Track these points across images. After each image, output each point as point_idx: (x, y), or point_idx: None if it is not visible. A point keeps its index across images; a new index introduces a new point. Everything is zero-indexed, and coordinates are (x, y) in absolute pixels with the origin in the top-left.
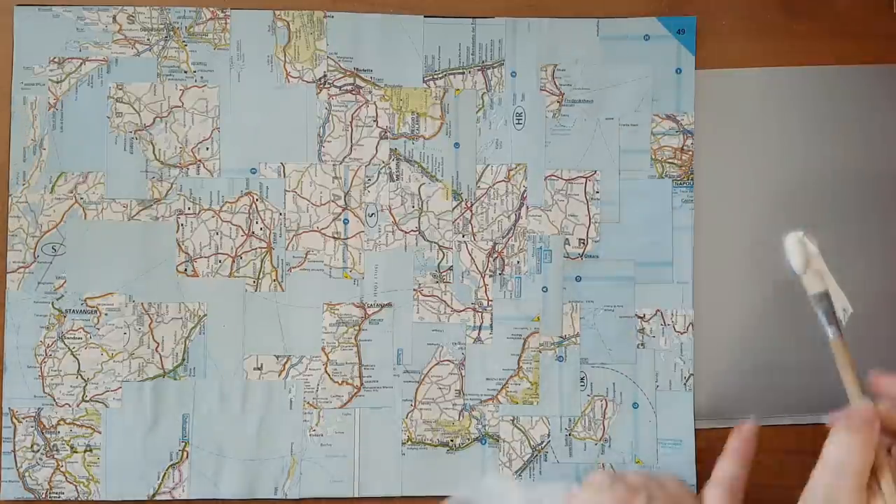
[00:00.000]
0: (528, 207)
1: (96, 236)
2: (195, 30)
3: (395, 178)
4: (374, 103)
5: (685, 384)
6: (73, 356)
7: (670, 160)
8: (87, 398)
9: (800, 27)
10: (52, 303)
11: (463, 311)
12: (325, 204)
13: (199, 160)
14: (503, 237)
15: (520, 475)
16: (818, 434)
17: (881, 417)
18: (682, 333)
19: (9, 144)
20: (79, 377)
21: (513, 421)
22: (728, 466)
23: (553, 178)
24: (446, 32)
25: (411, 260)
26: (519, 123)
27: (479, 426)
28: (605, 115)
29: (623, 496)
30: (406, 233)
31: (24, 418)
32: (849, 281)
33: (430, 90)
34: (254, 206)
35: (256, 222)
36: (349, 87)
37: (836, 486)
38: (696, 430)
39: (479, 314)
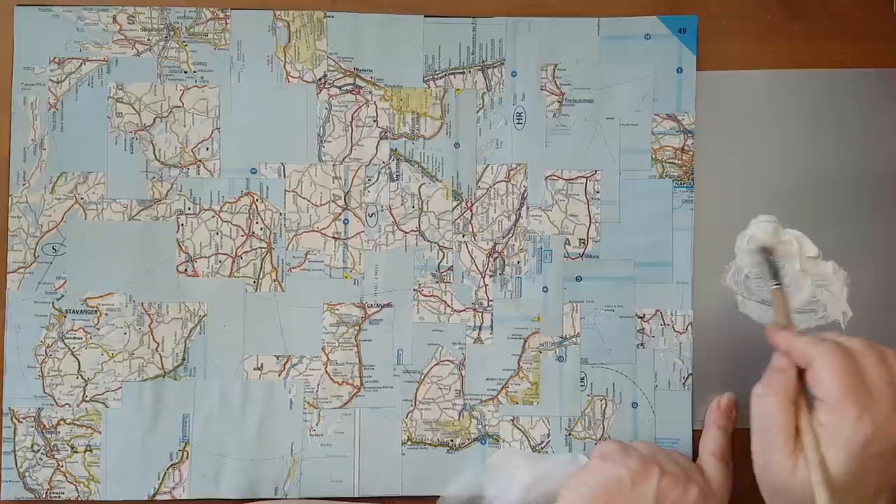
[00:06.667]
0: (528, 207)
1: (96, 236)
2: (195, 30)
3: (395, 178)
4: (374, 103)
5: (684, 384)
6: (74, 356)
7: (671, 160)
8: (88, 398)
9: (800, 27)
10: (52, 303)
11: (463, 311)
12: (325, 204)
13: (200, 160)
14: (503, 237)
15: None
16: None
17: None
18: (681, 333)
19: (9, 144)
20: (79, 377)
21: (513, 421)
22: (716, 437)
23: (553, 177)
24: (446, 32)
25: (411, 260)
26: (519, 123)
27: (479, 426)
28: (605, 114)
29: (637, 468)
30: (406, 233)
31: (24, 418)
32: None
33: (430, 90)
34: (254, 206)
35: (256, 222)
36: (349, 87)
37: (767, 446)
38: (694, 429)
39: (480, 314)
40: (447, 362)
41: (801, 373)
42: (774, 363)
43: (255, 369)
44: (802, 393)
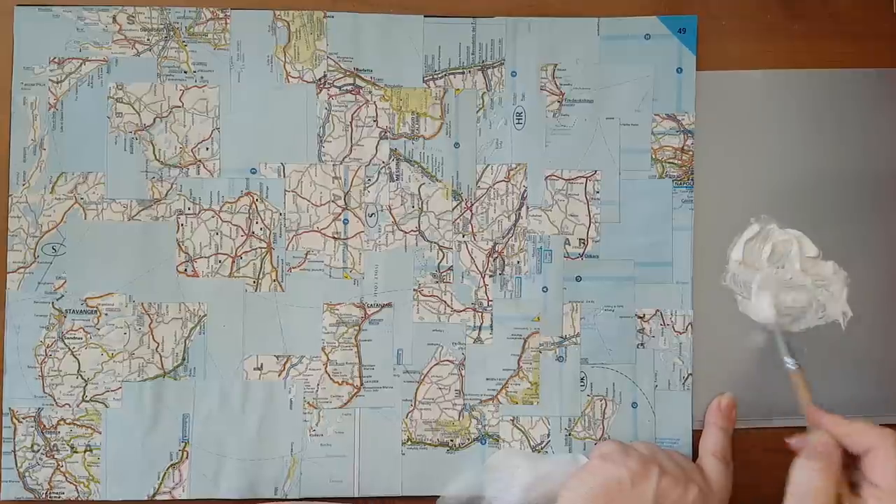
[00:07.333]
0: (528, 207)
1: (96, 236)
2: (195, 30)
3: (395, 178)
4: (374, 103)
5: (684, 384)
6: (73, 356)
7: (670, 160)
8: (88, 398)
9: (800, 27)
10: (52, 303)
11: (463, 311)
12: (325, 204)
13: (199, 160)
14: (503, 237)
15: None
16: None
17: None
18: (680, 333)
19: (9, 144)
20: (79, 377)
21: (513, 421)
22: (716, 437)
23: (553, 177)
24: (446, 32)
25: (411, 260)
26: (519, 123)
27: (479, 426)
28: (605, 114)
29: (637, 468)
30: (406, 233)
31: (24, 418)
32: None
33: (430, 90)
34: (254, 206)
35: (256, 222)
36: (349, 87)
37: None
38: (693, 429)
39: (479, 314)
40: (447, 362)
41: (844, 453)
42: (821, 439)
43: (254, 369)
44: (845, 472)
